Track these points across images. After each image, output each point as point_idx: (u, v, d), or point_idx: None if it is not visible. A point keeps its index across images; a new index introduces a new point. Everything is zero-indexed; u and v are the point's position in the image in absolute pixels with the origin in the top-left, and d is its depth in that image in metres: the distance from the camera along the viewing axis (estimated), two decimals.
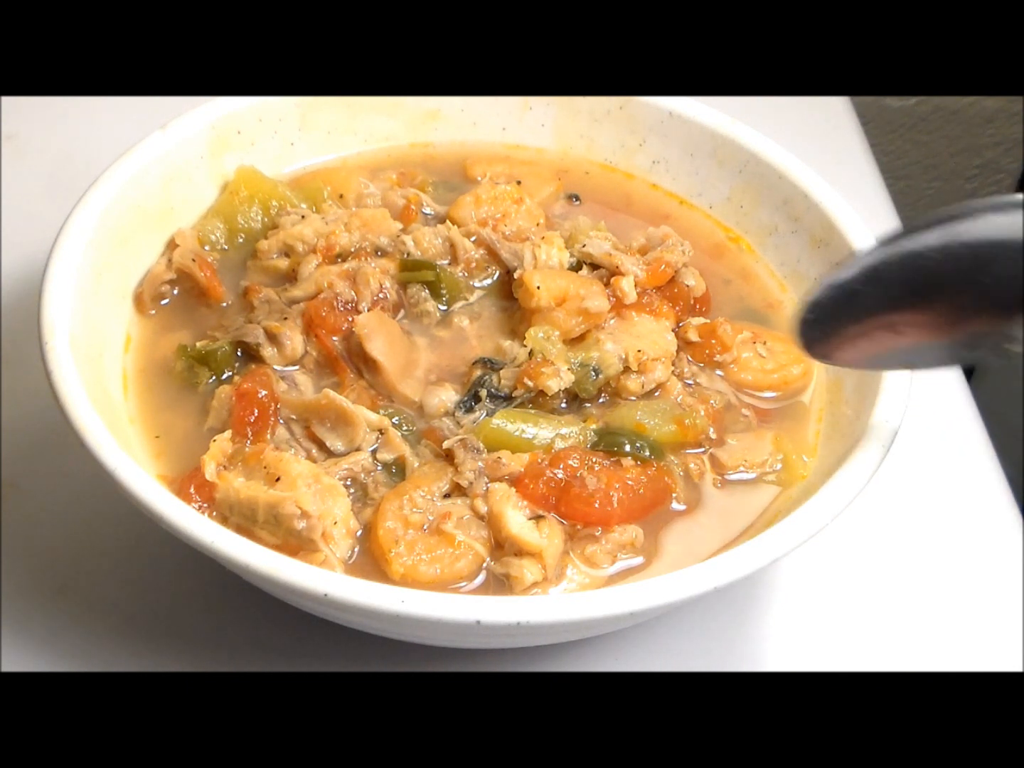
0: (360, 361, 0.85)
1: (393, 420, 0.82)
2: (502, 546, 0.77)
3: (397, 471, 0.81)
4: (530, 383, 0.83)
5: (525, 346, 0.85)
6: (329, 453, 0.81)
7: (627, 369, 0.85)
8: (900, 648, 0.85)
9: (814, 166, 0.96)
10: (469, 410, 0.84)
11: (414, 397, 0.85)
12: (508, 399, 0.84)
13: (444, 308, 0.90)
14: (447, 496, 0.79)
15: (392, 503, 0.77)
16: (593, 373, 0.84)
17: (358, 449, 0.81)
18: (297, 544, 0.75)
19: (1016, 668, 0.84)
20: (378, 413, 0.82)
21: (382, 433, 0.82)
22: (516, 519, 0.76)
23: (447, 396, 0.84)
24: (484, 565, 0.77)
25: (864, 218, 0.92)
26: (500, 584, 0.76)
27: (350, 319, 0.86)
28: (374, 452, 0.81)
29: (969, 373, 1.08)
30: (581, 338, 0.87)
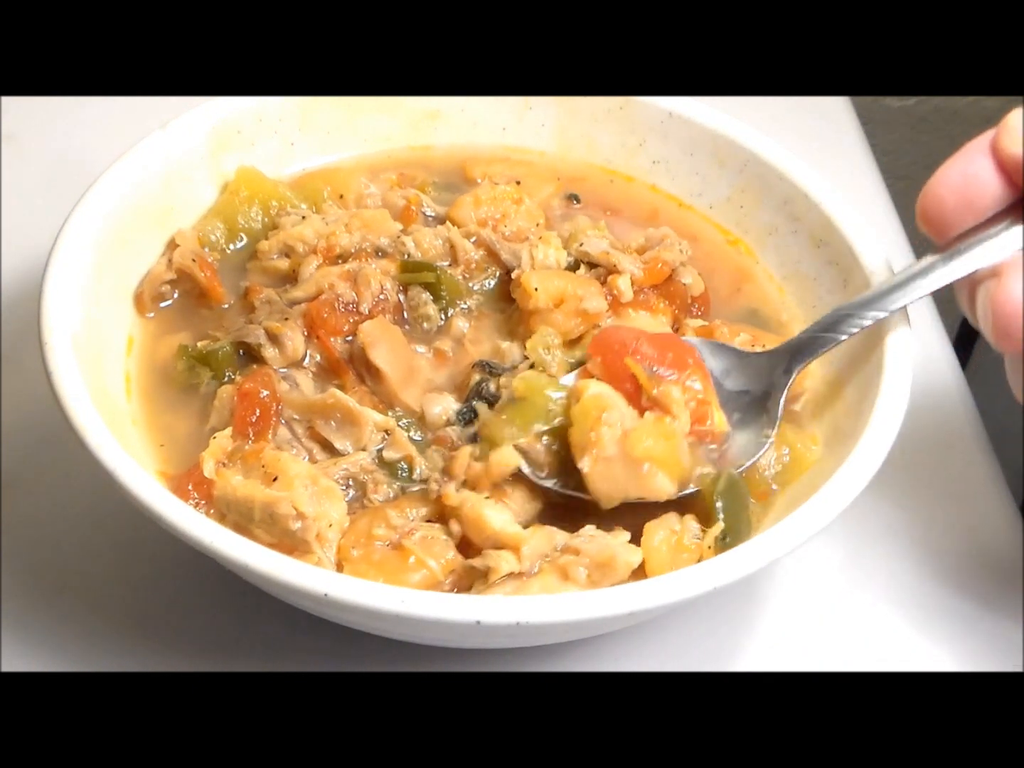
0: (363, 368, 0.85)
1: (400, 423, 0.83)
2: (481, 547, 0.76)
3: (405, 471, 0.81)
4: None
5: (527, 357, 0.85)
6: (332, 453, 0.81)
7: None
8: (900, 648, 0.85)
9: (814, 166, 0.96)
10: (468, 422, 0.84)
11: (415, 406, 0.84)
12: None
13: (444, 317, 0.90)
14: (429, 521, 0.78)
15: (363, 519, 0.77)
16: None
17: (363, 449, 0.81)
18: (292, 544, 0.75)
19: (1016, 668, 0.84)
20: (385, 415, 0.82)
21: (388, 434, 0.82)
22: (495, 518, 0.75)
23: (447, 404, 0.84)
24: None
25: (864, 218, 0.92)
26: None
27: (351, 320, 0.86)
28: (380, 451, 0.81)
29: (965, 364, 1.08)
30: (579, 338, 0.87)
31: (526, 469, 0.79)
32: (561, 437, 0.78)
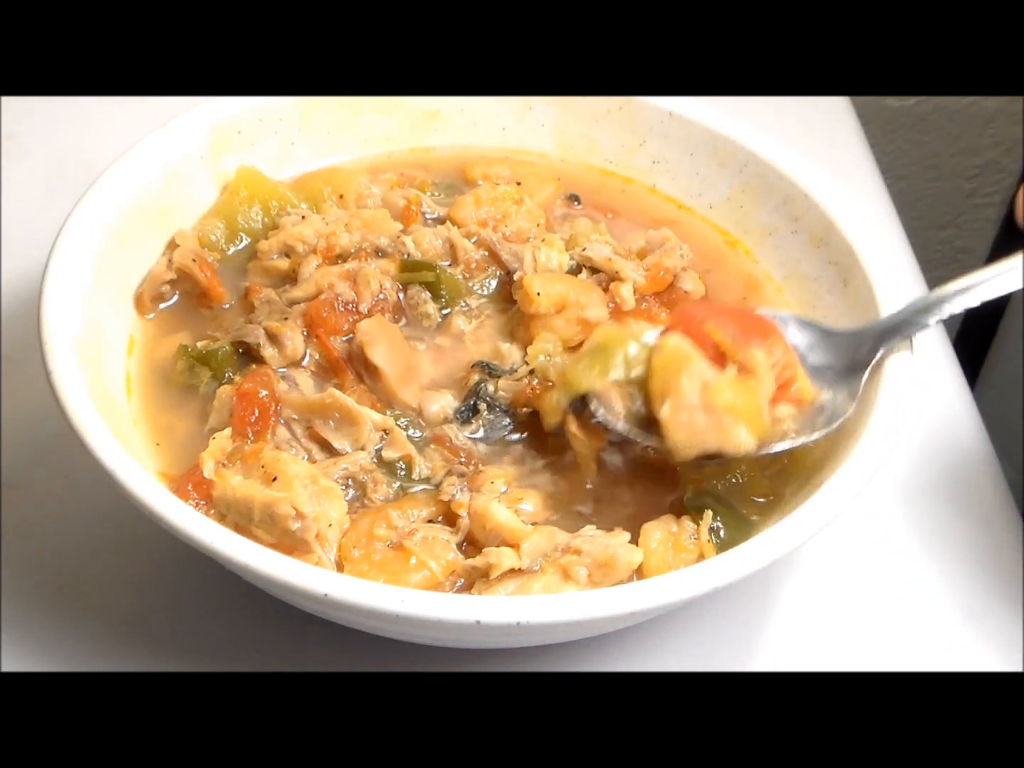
0: (361, 366, 0.85)
1: (399, 422, 0.83)
2: (483, 547, 0.76)
3: (404, 471, 0.81)
4: (527, 410, 0.83)
5: (527, 363, 0.85)
6: (331, 453, 0.81)
7: None
8: (901, 648, 0.85)
9: (814, 166, 0.96)
10: (466, 421, 0.84)
11: (414, 404, 0.85)
12: (507, 412, 0.84)
13: (444, 312, 0.90)
14: (431, 522, 0.78)
15: (365, 519, 0.77)
16: None
17: (362, 448, 0.81)
18: (291, 544, 0.75)
19: (1016, 668, 0.84)
20: (383, 414, 0.82)
21: (387, 433, 0.82)
22: (501, 511, 0.76)
23: (445, 402, 0.85)
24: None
25: (864, 218, 0.92)
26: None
27: (351, 320, 0.86)
28: (379, 451, 0.81)
29: (973, 379, 1.08)
30: (579, 345, 0.86)
31: (601, 415, 0.79)
32: (640, 388, 0.78)
